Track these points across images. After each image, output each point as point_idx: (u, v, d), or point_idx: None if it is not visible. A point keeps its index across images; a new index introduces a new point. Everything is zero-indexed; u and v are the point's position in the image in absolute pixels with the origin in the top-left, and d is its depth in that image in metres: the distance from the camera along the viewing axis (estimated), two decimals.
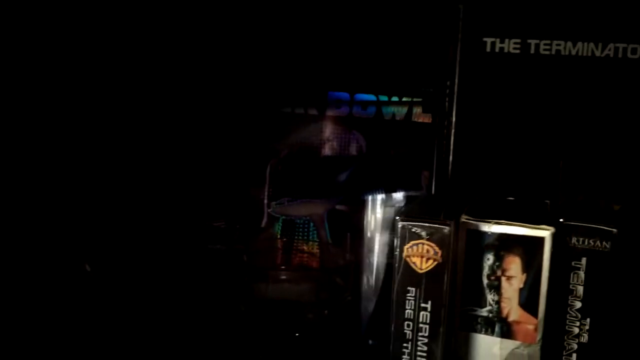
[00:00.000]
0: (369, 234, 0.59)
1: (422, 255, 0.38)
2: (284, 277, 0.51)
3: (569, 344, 0.42)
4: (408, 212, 0.41)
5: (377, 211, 0.59)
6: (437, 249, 0.38)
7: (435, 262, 0.38)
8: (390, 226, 0.58)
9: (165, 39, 0.57)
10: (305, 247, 0.58)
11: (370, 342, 0.52)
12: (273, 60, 0.58)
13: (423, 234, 0.38)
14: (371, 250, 0.58)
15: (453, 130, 0.55)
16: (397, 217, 0.39)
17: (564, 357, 0.42)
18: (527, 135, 0.57)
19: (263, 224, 0.59)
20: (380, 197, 0.58)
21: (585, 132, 0.54)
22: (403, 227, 0.39)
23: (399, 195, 0.58)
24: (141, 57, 0.57)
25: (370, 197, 0.59)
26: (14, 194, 0.52)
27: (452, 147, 0.56)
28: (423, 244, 0.38)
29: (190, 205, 0.59)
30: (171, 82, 0.58)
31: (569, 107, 0.54)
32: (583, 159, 0.56)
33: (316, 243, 0.58)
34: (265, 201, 0.59)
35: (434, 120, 0.58)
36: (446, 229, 0.38)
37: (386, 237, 0.59)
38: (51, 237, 0.54)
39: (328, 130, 0.59)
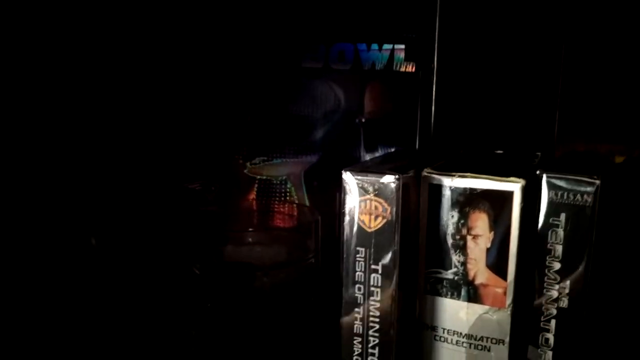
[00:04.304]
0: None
1: (370, 213, 0.35)
2: (251, 238, 0.48)
3: (547, 309, 0.38)
4: (360, 165, 0.37)
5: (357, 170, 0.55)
6: (385, 205, 0.34)
7: (385, 220, 0.35)
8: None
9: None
10: (282, 209, 0.55)
11: None
12: (243, 11, 0.54)
13: (370, 189, 0.35)
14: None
15: (435, 78, 0.50)
16: (343, 171, 0.35)
17: (542, 324, 0.38)
18: (519, 80, 0.51)
19: (238, 185, 0.57)
20: (360, 154, 0.55)
21: (583, 69, 0.48)
22: (348, 181, 0.35)
23: (380, 152, 0.54)
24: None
25: (349, 154, 0.55)
26: None
27: (434, 96, 0.51)
28: (371, 200, 0.35)
29: (165, 168, 0.57)
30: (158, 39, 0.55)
31: (564, 40, 0.48)
32: (584, 103, 0.51)
33: (294, 204, 0.55)
34: (241, 161, 0.56)
35: (417, 69, 0.53)
36: (393, 184, 0.34)
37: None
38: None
39: (303, 83, 0.55)
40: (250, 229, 0.50)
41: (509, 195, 0.36)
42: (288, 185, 0.56)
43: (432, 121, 0.51)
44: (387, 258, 0.35)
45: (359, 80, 0.54)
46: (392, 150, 0.53)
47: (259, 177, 0.57)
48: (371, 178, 0.34)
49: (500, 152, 0.48)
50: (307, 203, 0.55)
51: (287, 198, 0.56)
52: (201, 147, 0.57)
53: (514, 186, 0.36)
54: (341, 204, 0.36)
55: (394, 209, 0.34)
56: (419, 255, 0.38)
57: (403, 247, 0.35)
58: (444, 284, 0.38)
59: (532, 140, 0.52)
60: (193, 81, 0.56)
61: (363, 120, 0.54)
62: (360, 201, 0.35)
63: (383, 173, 0.34)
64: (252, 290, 0.39)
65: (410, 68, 0.53)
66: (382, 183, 0.34)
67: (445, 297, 0.38)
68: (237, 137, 0.56)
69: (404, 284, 0.36)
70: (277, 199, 0.56)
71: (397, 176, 0.34)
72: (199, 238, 0.46)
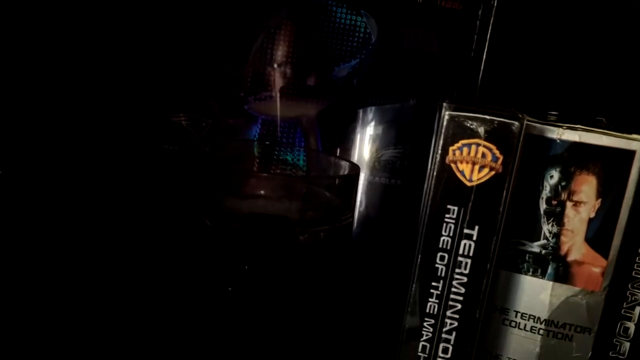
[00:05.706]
0: (363, 147, 0.47)
1: (474, 162, 0.27)
2: (260, 189, 0.38)
3: (633, 294, 0.32)
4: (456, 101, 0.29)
5: (378, 118, 0.47)
6: (498, 153, 0.27)
7: (493, 172, 0.27)
8: (387, 139, 0.47)
9: None
10: (289, 157, 0.46)
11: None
12: None
13: (480, 130, 0.26)
14: (367, 167, 0.47)
15: (493, 16, 0.43)
16: (444, 105, 0.27)
17: (623, 310, 0.32)
18: (575, 38, 0.45)
19: (237, 122, 0.46)
20: (387, 99, 0.46)
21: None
22: (451, 118, 0.27)
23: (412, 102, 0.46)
24: None
25: (374, 99, 0.46)
26: None
27: (488, 41, 0.44)
28: (478, 144, 0.27)
29: (142, 95, 0.45)
30: None
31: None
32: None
33: (303, 152, 0.46)
34: (242, 94, 0.46)
35: (466, 7, 0.45)
36: (515, 125, 0.26)
37: (390, 153, 0.47)
38: None
39: (329, 7, 0.45)
40: (264, 175, 0.40)
41: (628, 155, 0.30)
42: (298, 129, 0.47)
43: (482, 69, 0.44)
44: (488, 222, 0.27)
45: (396, 12, 0.45)
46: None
47: (263, 116, 0.47)
48: (485, 117, 0.26)
49: (555, 113, 0.42)
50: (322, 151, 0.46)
51: (296, 144, 0.47)
52: (192, 72, 0.45)
53: (637, 145, 0.29)
54: (434, 148, 0.28)
55: (508, 159, 0.26)
56: None
57: (508, 210, 0.28)
58: (527, 258, 0.32)
59: (583, 105, 0.46)
60: None
61: (397, 59, 0.46)
62: (463, 145, 0.27)
63: (502, 111, 0.26)
64: (291, 250, 0.30)
65: (457, 5, 0.46)
66: (500, 124, 0.26)
67: (526, 274, 0.32)
68: (239, 63, 0.46)
69: (500, 257, 0.29)
70: (284, 144, 0.46)
71: (520, 116, 0.26)
72: (201, 185, 0.36)
